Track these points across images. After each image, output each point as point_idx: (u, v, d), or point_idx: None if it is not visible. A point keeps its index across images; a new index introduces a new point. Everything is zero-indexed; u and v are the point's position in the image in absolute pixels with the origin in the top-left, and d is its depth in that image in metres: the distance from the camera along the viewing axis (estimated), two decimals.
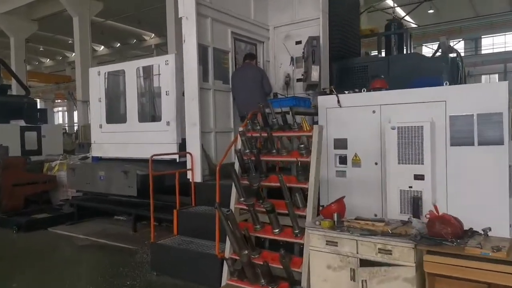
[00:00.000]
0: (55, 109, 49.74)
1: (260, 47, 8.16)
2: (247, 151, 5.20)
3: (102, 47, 36.56)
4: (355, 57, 7.95)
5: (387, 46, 8.25)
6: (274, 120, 5.27)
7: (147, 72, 7.84)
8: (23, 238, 8.09)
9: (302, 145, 4.74)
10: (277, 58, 8.17)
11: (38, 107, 19.98)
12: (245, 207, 4.98)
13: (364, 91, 5.70)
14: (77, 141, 21.35)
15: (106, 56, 36.44)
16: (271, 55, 8.19)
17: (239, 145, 5.27)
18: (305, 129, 4.77)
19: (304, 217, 4.55)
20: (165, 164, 7.27)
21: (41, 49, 36.83)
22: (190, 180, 6.46)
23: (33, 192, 9.91)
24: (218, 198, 5.30)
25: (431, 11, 25.40)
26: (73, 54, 39.20)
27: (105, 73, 8.22)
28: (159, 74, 7.42)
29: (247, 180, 5.02)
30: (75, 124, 28.49)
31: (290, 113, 5.47)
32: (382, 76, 6.31)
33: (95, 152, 8.50)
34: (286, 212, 4.63)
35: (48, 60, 42.38)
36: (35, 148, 13.94)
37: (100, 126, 8.30)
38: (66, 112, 49.69)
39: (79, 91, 20.31)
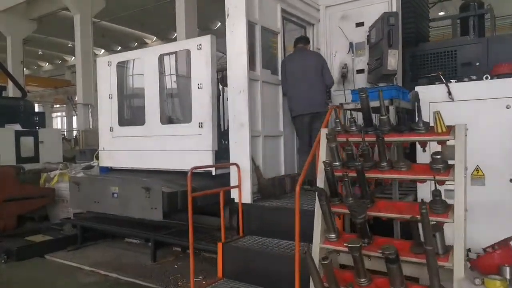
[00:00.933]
0: (54, 114, 47.77)
1: (309, 31, 6.45)
2: (337, 163, 3.47)
3: (103, 50, 34.76)
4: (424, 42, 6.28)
5: (464, 31, 6.57)
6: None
7: (173, 60, 6.08)
8: (12, 270, 6.24)
9: (437, 156, 2.99)
10: (330, 45, 6.45)
11: (36, 110, 18.20)
12: (339, 248, 3.25)
13: (487, 78, 4.01)
14: (77, 148, 19.55)
15: None
16: (322, 42, 6.47)
17: (322, 154, 3.53)
18: (440, 131, 3.02)
19: (447, 269, 2.82)
20: (196, 177, 5.54)
21: (40, 53, 35.09)
22: (236, 200, 4.72)
23: (27, 209, 8.08)
24: (298, 234, 3.51)
25: None
26: (73, 58, 37.48)
27: (117, 63, 6.45)
28: (188, 63, 5.65)
29: (344, 207, 3.28)
30: (74, 129, 26.59)
31: (392, 107, 3.77)
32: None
33: (104, 161, 6.72)
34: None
35: (47, 64, 40.56)
36: (31, 155, 12.14)
37: (111, 130, 6.53)
38: (64, 118, 47.91)
39: (80, 94, 18.48)
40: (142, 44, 32.88)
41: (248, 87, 4.69)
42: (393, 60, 5.28)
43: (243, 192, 4.67)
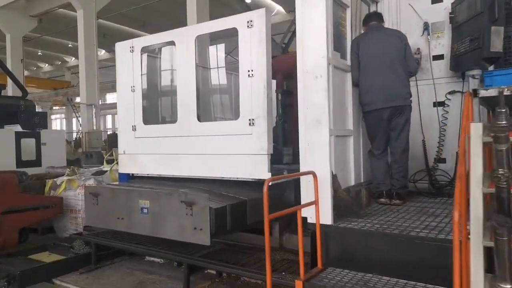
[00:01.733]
0: (53, 117, 46.37)
1: (372, 9, 5.27)
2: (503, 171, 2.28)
3: (103, 51, 33.42)
4: None
5: None
6: None
7: (214, 42, 4.87)
8: None
9: None
10: (398, 26, 5.26)
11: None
12: None
13: None
14: (79, 150, 18.27)
15: (107, 61, 33.32)
16: (388, 22, 5.27)
17: (477, 160, 2.35)
18: None
19: None
20: (246, 187, 4.38)
21: (39, 53, 33.77)
22: (310, 220, 3.53)
23: (31, 222, 6.85)
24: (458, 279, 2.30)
25: None
26: (73, 59, 36.17)
27: (141, 48, 5.23)
28: (235, 45, 4.45)
29: None
30: (75, 132, 25.14)
31: None
32: None
33: (125, 166, 5.49)
34: None
35: (47, 65, 39.20)
36: (33, 158, 10.90)
37: (134, 129, 5.31)
38: (64, 120, 46.62)
39: (83, 94, 17.21)
40: None
41: (327, 72, 3.51)
42: (498, 39, 4.13)
43: (321, 210, 3.47)
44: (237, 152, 4.45)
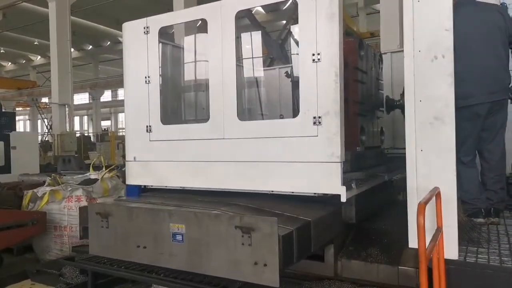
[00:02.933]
0: (17, 118, 43.44)
1: None
2: None
3: (72, 49, 31.42)
4: None
5: None
6: None
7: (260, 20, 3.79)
8: None
9: None
10: None
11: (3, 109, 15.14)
12: None
13: None
14: (49, 154, 16.52)
15: (76, 59, 31.24)
16: None
17: None
18: None
19: None
20: (299, 202, 3.40)
21: (2, 51, 31.31)
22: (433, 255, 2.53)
23: (7, 243, 5.52)
24: None
25: None
26: (39, 57, 33.75)
27: (159, 29, 4.06)
28: (293, 22, 3.39)
29: None
30: (47, 133, 22.98)
31: None
32: None
33: (135, 177, 4.27)
34: None
35: (10, 63, 36.50)
36: (1, 164, 9.43)
37: (148, 130, 4.12)
38: (28, 121, 43.82)
39: (55, 93, 15.54)
40: (115, 43, 29.89)
41: (452, 50, 2.53)
42: None
43: (446, 239, 2.48)
44: (294, 159, 3.40)
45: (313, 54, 3.29)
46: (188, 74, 4.33)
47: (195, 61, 4.27)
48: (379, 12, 16.44)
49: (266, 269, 2.80)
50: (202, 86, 3.98)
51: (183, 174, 3.97)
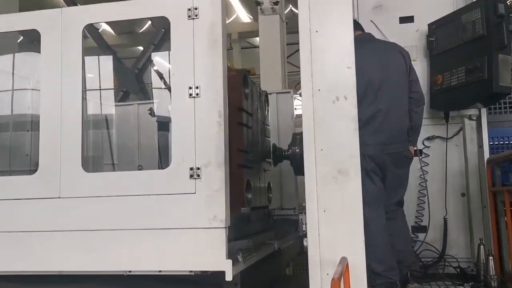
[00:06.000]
0: None
1: None
2: None
3: None
4: None
5: None
6: None
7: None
8: None
9: None
10: None
11: None
12: None
13: None
14: None
15: None
16: None
17: None
18: None
19: None
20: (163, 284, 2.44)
21: None
22: None
23: None
24: None
25: None
26: None
27: None
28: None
29: None
30: None
31: None
32: None
33: None
34: None
35: None
36: None
37: None
38: None
39: None
40: None
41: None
42: (506, 71, 3.22)
43: None
44: (162, 225, 2.45)
45: (190, 88, 2.47)
46: (3, 107, 3.12)
47: (13, 89, 3.11)
48: (255, 47, 15.18)
49: None
50: (25, 124, 2.84)
51: None
